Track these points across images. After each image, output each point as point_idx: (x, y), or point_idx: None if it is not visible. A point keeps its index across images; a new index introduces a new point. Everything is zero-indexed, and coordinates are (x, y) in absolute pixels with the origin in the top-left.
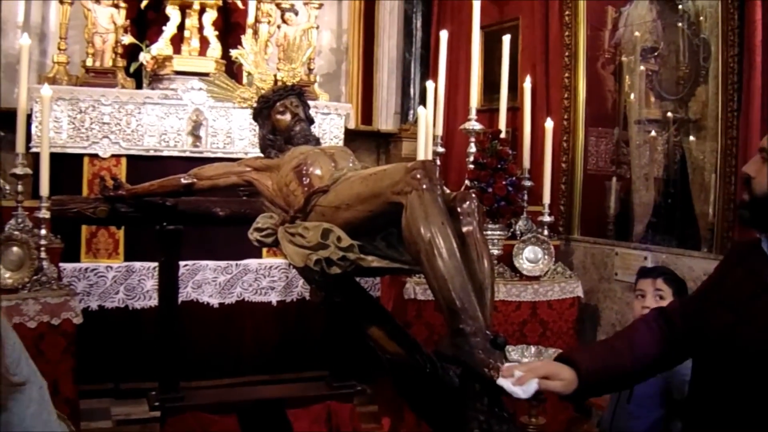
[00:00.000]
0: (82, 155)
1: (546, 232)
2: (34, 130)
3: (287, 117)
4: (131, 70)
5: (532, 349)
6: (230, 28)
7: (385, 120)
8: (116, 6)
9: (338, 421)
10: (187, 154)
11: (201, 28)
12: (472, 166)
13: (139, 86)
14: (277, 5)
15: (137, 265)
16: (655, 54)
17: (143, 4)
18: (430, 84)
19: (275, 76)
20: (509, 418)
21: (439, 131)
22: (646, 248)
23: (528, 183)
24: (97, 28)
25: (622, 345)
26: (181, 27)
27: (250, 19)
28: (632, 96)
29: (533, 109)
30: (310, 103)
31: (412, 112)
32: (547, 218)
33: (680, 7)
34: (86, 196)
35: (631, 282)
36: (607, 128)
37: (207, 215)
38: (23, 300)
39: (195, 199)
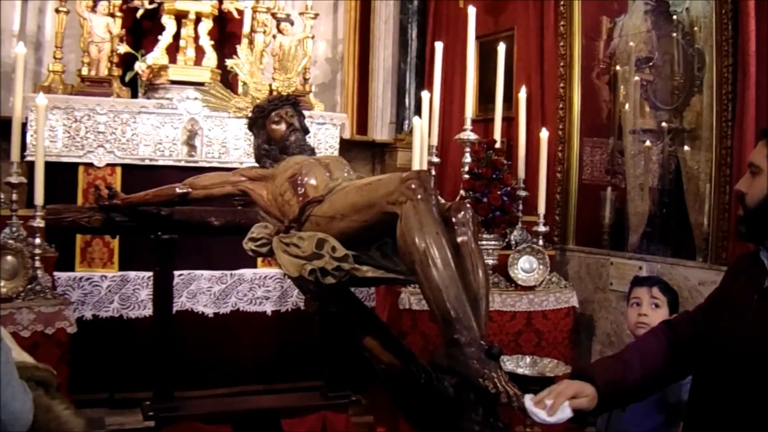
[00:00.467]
0: (77, 164)
1: (541, 242)
2: (29, 138)
3: (282, 127)
4: (127, 79)
5: (527, 359)
6: (226, 37)
7: (381, 130)
8: (112, 15)
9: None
10: (182, 163)
11: (196, 38)
12: (467, 176)
13: (134, 95)
14: (273, 15)
15: (132, 274)
16: (650, 64)
17: (139, 14)
18: (425, 94)
19: (270, 85)
20: (504, 428)
21: (434, 141)
22: (641, 258)
23: (523, 193)
24: (92, 37)
25: (633, 357)
26: (177, 36)
27: (246, 29)
28: (627, 106)
29: (528, 119)
30: (306, 112)
31: (407, 122)
32: (542, 228)
33: (675, 17)
34: (81, 205)
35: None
36: (602, 138)
37: (202, 225)
38: (17, 309)
39: (190, 209)
